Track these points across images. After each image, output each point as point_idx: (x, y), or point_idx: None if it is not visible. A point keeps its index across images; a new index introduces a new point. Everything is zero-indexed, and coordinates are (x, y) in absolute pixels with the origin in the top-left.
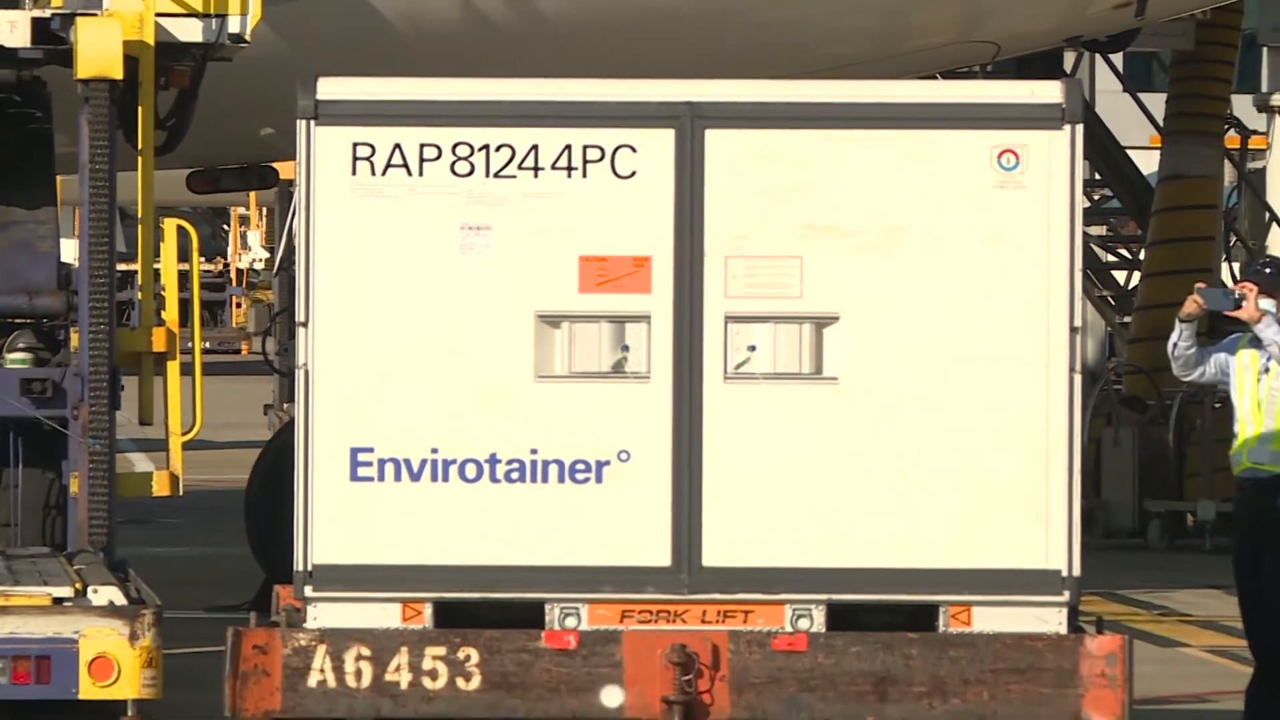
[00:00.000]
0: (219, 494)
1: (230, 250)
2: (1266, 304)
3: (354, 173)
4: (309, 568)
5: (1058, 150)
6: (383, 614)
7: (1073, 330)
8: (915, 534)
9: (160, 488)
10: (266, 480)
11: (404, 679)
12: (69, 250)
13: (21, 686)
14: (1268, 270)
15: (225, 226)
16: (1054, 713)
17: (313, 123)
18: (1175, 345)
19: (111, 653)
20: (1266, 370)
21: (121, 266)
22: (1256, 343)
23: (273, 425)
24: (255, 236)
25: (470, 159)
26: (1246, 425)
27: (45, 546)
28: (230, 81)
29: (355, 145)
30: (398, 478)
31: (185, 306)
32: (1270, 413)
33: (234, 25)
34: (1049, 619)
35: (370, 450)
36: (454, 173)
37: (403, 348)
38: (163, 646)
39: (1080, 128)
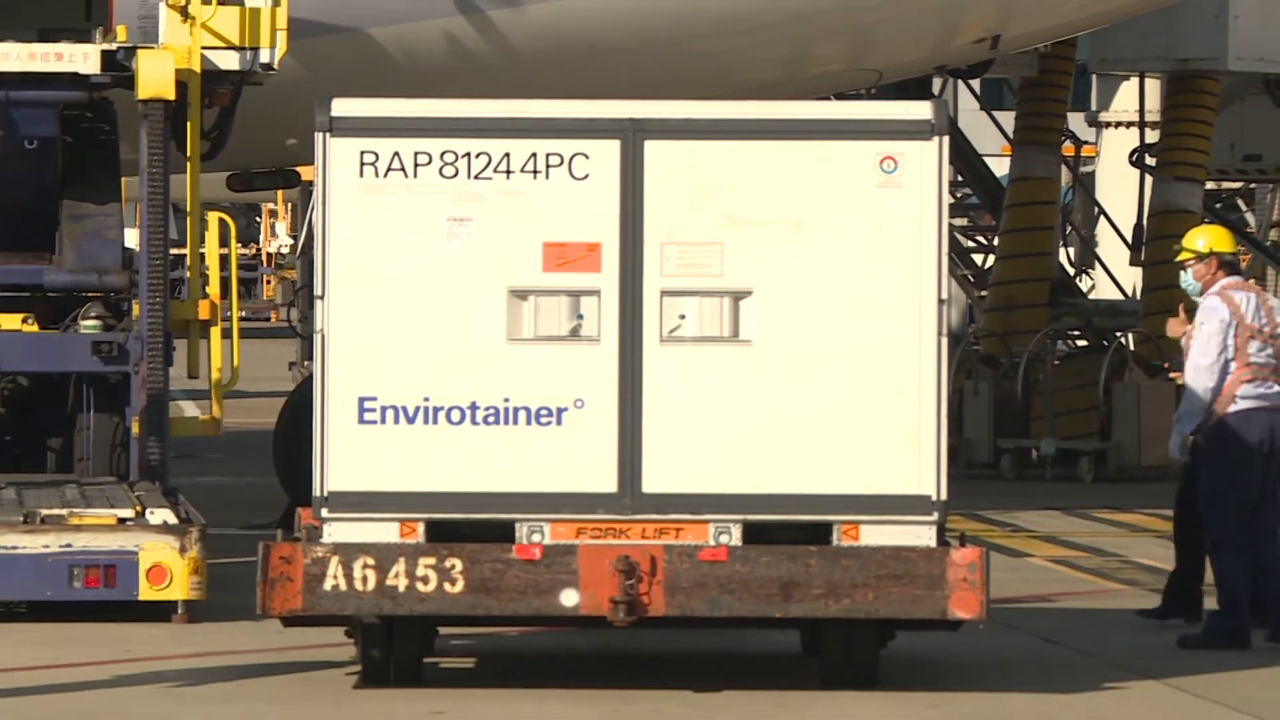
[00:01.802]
0: (252, 434)
1: (261, 237)
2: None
3: (361, 175)
4: (325, 494)
5: (928, 157)
6: (384, 531)
7: (940, 301)
8: (814, 466)
9: (205, 429)
10: (290, 423)
11: (401, 584)
12: (131, 237)
13: (92, 590)
14: None
15: (258, 218)
16: (926, 610)
17: (328, 134)
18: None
19: (165, 562)
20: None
21: (174, 251)
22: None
23: (295, 379)
24: (282, 226)
25: (455, 164)
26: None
27: (111, 477)
28: (261, 101)
29: (362, 153)
30: (396, 421)
31: (225, 283)
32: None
33: (265, 56)
34: (922, 535)
35: (374, 399)
36: (442, 175)
37: (400, 316)
38: (207, 557)
39: (946, 139)
